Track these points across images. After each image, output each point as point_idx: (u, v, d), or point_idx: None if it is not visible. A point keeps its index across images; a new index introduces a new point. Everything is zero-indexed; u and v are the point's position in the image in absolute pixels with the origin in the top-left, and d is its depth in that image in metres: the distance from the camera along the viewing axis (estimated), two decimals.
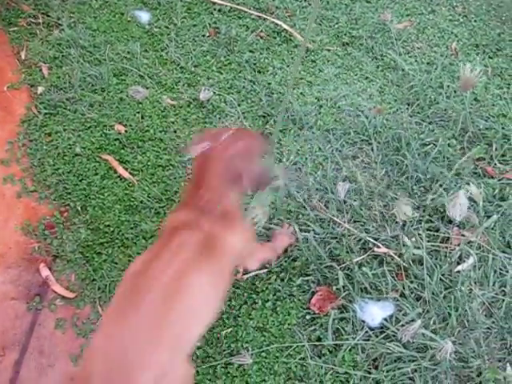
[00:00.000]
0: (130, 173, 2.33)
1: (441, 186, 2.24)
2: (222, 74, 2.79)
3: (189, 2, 3.18)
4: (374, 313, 1.83)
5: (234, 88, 2.72)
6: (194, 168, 1.61)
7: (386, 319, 1.84)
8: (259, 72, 2.82)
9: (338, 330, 1.88)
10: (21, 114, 2.56)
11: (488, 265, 1.99)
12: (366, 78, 2.85)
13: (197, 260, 1.39)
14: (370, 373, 1.79)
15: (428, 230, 2.12)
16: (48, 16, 3.01)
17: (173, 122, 2.55)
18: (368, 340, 1.83)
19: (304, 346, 1.85)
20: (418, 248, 2.01)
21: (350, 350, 1.83)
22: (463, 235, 2.08)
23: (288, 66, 2.87)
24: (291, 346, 1.85)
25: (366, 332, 1.84)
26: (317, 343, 1.86)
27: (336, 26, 3.13)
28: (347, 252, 2.04)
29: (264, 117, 2.60)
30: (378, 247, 2.06)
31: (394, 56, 2.92)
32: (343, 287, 1.94)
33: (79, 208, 2.22)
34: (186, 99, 2.65)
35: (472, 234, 2.05)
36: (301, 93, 2.71)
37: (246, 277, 2.02)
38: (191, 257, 1.39)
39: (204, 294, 1.41)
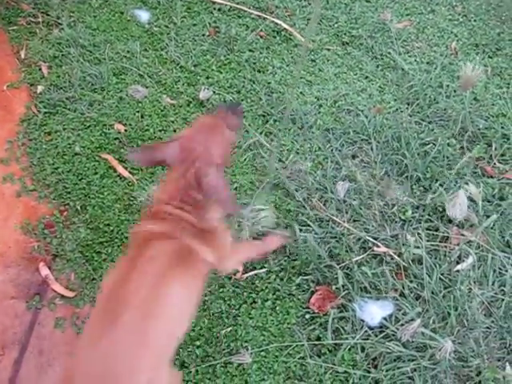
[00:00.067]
0: (130, 172, 2.33)
1: (440, 185, 2.24)
2: (221, 73, 2.79)
3: (188, 2, 3.18)
4: (374, 312, 1.84)
5: (234, 87, 2.72)
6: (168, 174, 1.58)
7: (385, 318, 1.84)
8: (259, 71, 2.82)
9: (337, 329, 1.88)
10: (20, 113, 2.56)
11: (487, 264, 1.99)
12: (366, 77, 2.85)
13: (172, 270, 1.38)
14: (369, 372, 1.79)
15: (427, 229, 2.12)
16: (48, 15, 3.01)
17: (172, 122, 2.54)
18: (367, 339, 1.83)
19: (303, 345, 1.85)
20: (418, 247, 2.01)
21: (349, 349, 1.83)
22: (463, 235, 2.08)
23: (288, 66, 2.87)
24: (291, 346, 1.85)
25: (366, 331, 1.84)
26: (316, 342, 1.87)
27: (336, 25, 3.13)
28: (347, 251, 2.04)
29: (264, 116, 2.59)
30: (378, 246, 2.06)
31: (394, 55, 2.92)
32: (343, 286, 1.94)
33: (79, 207, 2.22)
34: (186, 98, 2.65)
35: (471, 234, 2.05)
36: (300, 92, 2.71)
37: (245, 276, 2.02)
38: (166, 268, 1.38)
39: (181, 302, 1.41)
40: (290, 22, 3.09)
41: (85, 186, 2.28)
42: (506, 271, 1.98)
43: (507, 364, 1.79)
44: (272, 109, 2.60)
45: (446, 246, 2.05)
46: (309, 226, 2.12)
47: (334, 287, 1.97)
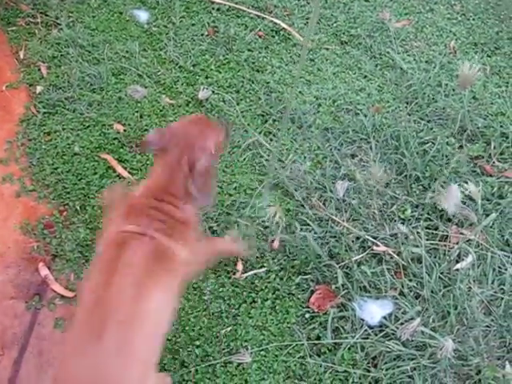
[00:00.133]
0: (129, 172, 2.33)
1: (440, 184, 2.24)
2: (220, 73, 2.79)
3: (187, 1, 3.18)
4: (373, 311, 1.84)
5: (233, 87, 2.72)
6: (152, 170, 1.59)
7: (385, 317, 1.84)
8: (258, 71, 2.82)
9: (337, 328, 1.88)
10: (20, 113, 2.56)
11: (487, 263, 1.99)
12: (365, 76, 2.85)
13: (151, 275, 1.37)
14: (369, 371, 1.79)
15: (427, 228, 2.13)
16: (47, 15, 3.01)
17: (172, 121, 2.54)
18: (367, 338, 1.83)
19: (303, 344, 1.85)
20: (417, 246, 2.01)
21: (349, 348, 1.83)
22: (462, 233, 2.09)
23: (287, 65, 2.87)
24: (290, 345, 1.86)
25: (365, 330, 1.84)
26: (316, 342, 1.87)
27: (334, 24, 3.13)
28: (346, 250, 2.04)
29: (263, 115, 2.60)
30: (377, 246, 2.06)
31: (393, 55, 2.92)
32: (342, 286, 1.94)
33: (78, 207, 2.22)
34: (185, 98, 2.65)
35: (471, 232, 2.05)
36: (299, 92, 2.71)
37: (245, 276, 2.02)
38: (145, 273, 1.36)
39: (162, 307, 1.39)
40: (289, 22, 3.09)
41: (84, 186, 2.28)
42: (506, 270, 1.98)
43: (507, 363, 1.79)
44: (271, 108, 2.60)
45: (445, 245, 2.05)
46: (308, 225, 2.12)
47: (333, 286, 1.97)
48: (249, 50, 2.92)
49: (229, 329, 1.90)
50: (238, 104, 2.63)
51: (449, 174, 2.28)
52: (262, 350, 1.85)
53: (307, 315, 1.93)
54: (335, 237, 2.10)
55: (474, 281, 1.96)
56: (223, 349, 1.85)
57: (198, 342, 1.86)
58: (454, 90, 2.71)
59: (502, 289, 1.96)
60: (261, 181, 2.31)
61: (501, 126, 2.52)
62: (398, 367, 1.76)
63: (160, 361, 1.80)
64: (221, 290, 1.99)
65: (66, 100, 2.59)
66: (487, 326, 1.87)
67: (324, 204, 2.22)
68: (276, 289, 2.00)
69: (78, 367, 1.24)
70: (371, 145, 2.44)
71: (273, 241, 2.11)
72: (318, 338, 1.88)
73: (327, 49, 2.98)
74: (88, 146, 2.42)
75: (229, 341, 1.87)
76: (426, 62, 2.93)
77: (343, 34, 3.08)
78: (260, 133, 2.50)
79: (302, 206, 2.21)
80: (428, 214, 2.17)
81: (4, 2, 3.03)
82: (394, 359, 1.79)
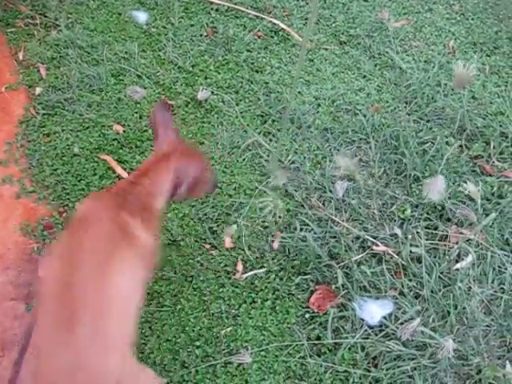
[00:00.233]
0: (129, 172, 2.33)
1: None
2: (219, 73, 2.79)
3: (186, 2, 3.18)
4: (373, 311, 1.84)
5: (232, 87, 2.72)
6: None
7: (385, 317, 1.84)
8: (257, 71, 2.82)
9: (337, 328, 1.88)
10: (19, 114, 2.56)
11: (487, 262, 1.99)
12: (364, 76, 2.85)
13: (115, 256, 1.34)
14: (369, 371, 1.79)
15: (426, 228, 2.13)
16: (46, 17, 3.01)
17: None
18: (367, 338, 1.83)
19: (303, 344, 1.85)
20: (417, 246, 2.01)
21: (349, 348, 1.83)
22: (462, 233, 2.09)
23: (286, 66, 2.87)
24: (291, 345, 1.86)
25: (366, 330, 1.84)
26: (316, 342, 1.87)
27: (333, 24, 3.13)
28: (346, 250, 2.04)
29: (262, 116, 2.60)
30: (377, 245, 2.06)
31: (392, 55, 2.92)
32: (342, 286, 1.94)
33: None
34: (184, 99, 2.65)
35: (470, 232, 2.06)
36: (299, 92, 2.71)
37: (244, 276, 2.02)
38: (109, 254, 1.34)
39: (129, 288, 1.36)
40: (288, 22, 3.10)
41: (84, 186, 2.28)
42: (506, 269, 1.98)
43: (507, 362, 1.79)
44: (270, 109, 2.60)
45: (445, 245, 2.05)
46: (308, 225, 2.12)
47: (333, 286, 1.97)
48: (248, 51, 2.92)
49: (229, 329, 1.90)
50: (237, 104, 2.63)
51: (448, 174, 2.29)
52: (263, 350, 1.85)
53: (307, 315, 1.93)
54: (335, 237, 2.10)
55: (473, 280, 1.96)
56: (223, 349, 1.85)
57: (198, 343, 1.86)
58: (453, 89, 2.71)
59: (501, 288, 1.96)
60: (260, 181, 2.31)
61: (500, 126, 2.52)
62: (399, 367, 1.76)
63: (160, 361, 1.80)
64: (221, 290, 1.99)
65: (65, 101, 2.59)
66: (487, 326, 1.87)
67: (324, 204, 2.22)
68: (276, 289, 2.00)
69: (55, 360, 1.22)
70: (370, 145, 2.44)
71: (273, 241, 2.11)
72: (318, 338, 1.88)
73: (326, 49, 2.99)
74: (87, 147, 2.42)
75: (229, 341, 1.87)
76: (425, 61, 2.94)
77: (342, 34, 3.08)
78: (259, 133, 2.51)
79: (302, 206, 2.21)
80: (428, 213, 2.17)
81: (3, 3, 3.03)
82: (395, 359, 1.79)
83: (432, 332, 1.79)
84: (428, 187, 1.90)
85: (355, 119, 2.57)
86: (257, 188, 2.27)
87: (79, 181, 2.30)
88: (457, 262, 2.01)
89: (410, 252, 2.01)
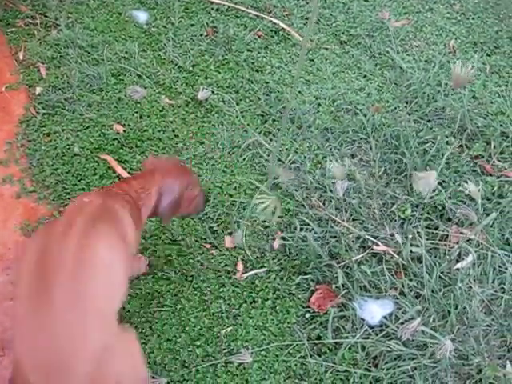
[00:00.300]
0: (129, 172, 2.33)
1: (439, 184, 2.24)
2: (220, 73, 2.79)
3: (186, 2, 3.18)
4: (374, 311, 1.83)
5: (233, 87, 2.72)
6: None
7: (385, 317, 1.84)
8: (257, 71, 2.82)
9: (337, 328, 1.88)
10: (19, 114, 2.56)
11: (487, 262, 1.99)
12: (364, 76, 2.85)
13: (95, 228, 1.36)
14: (369, 371, 1.79)
15: (427, 227, 2.12)
16: (46, 16, 3.01)
17: (171, 122, 2.54)
18: (368, 338, 1.83)
19: (304, 344, 1.85)
20: (417, 246, 2.01)
21: (349, 348, 1.83)
22: (462, 233, 2.08)
23: (286, 65, 2.87)
24: (291, 345, 1.85)
25: (366, 330, 1.84)
26: (316, 341, 1.86)
27: (334, 24, 3.13)
28: (346, 250, 2.04)
29: (262, 116, 2.60)
30: (377, 245, 2.06)
31: (392, 54, 2.92)
32: (342, 285, 1.94)
33: None
34: (185, 99, 2.65)
35: (471, 232, 2.05)
36: (299, 91, 2.71)
37: (245, 276, 2.02)
38: (90, 226, 1.35)
39: (112, 259, 1.37)
40: (288, 22, 3.10)
41: (84, 186, 2.28)
42: (506, 269, 1.98)
43: (508, 362, 1.79)
44: (270, 108, 2.60)
45: (445, 245, 2.05)
46: (308, 225, 2.12)
47: (333, 286, 1.97)
48: (248, 50, 2.92)
49: (229, 329, 1.90)
50: (237, 104, 2.63)
51: (449, 174, 2.28)
52: (263, 349, 1.84)
53: (308, 315, 1.93)
54: (335, 237, 2.10)
55: (474, 280, 1.96)
56: (224, 349, 1.85)
57: (198, 342, 1.85)
58: (453, 89, 2.71)
59: (502, 288, 1.95)
60: (261, 181, 2.31)
61: (501, 125, 2.52)
62: (399, 367, 1.76)
63: (161, 361, 1.80)
64: (221, 290, 1.99)
65: (65, 101, 2.59)
66: (488, 326, 1.87)
67: (324, 204, 2.22)
68: (276, 289, 2.00)
69: (34, 334, 1.21)
70: (371, 144, 2.44)
71: (273, 240, 2.11)
72: (319, 337, 1.87)
73: (326, 48, 2.99)
74: (88, 147, 2.42)
75: (229, 341, 1.87)
76: (426, 61, 2.93)
77: (342, 33, 3.08)
78: (260, 133, 2.50)
79: (302, 205, 2.21)
80: (428, 213, 2.17)
81: (3, 3, 3.03)
82: (395, 359, 1.79)
83: (432, 332, 1.79)
84: (418, 179, 1.91)
85: (356, 119, 2.57)
86: (257, 188, 2.27)
87: (79, 180, 2.30)
88: (457, 261, 2.00)
89: (411, 252, 2.01)
